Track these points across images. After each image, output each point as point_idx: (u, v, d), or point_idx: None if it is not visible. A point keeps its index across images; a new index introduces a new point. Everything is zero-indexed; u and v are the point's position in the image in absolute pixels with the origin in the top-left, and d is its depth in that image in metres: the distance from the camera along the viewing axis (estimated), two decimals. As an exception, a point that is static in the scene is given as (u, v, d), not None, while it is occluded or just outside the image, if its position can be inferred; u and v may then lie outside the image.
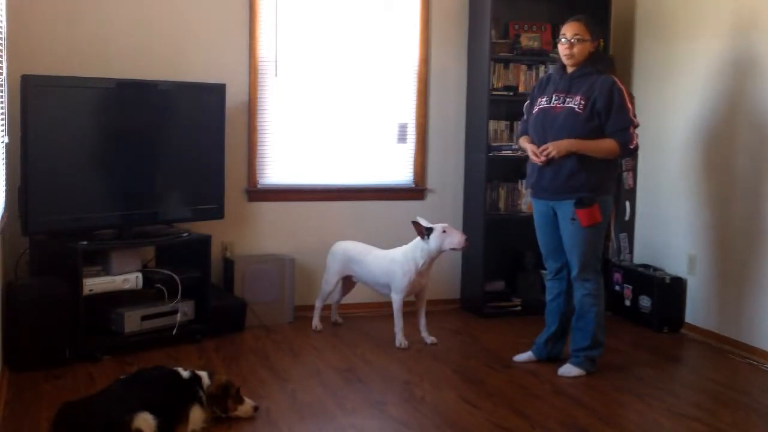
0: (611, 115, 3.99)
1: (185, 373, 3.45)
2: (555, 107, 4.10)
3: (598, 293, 4.17)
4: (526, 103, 4.37)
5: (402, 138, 5.53)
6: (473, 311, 5.47)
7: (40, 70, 4.30)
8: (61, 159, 4.25)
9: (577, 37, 4.06)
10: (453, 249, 4.55)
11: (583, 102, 4.01)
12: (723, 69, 4.82)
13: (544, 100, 4.17)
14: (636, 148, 4.09)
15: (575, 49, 4.06)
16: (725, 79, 4.81)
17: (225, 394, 3.45)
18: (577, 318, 4.22)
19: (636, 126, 4.03)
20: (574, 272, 4.16)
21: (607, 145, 4.02)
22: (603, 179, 4.10)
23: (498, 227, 5.42)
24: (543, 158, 4.03)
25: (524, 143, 4.25)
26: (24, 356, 4.04)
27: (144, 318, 4.43)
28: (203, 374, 3.50)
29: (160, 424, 3.12)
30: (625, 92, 4.02)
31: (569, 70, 4.13)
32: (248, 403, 3.52)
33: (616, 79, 4.05)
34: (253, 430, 3.43)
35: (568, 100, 4.06)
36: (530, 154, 4.14)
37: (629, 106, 4.01)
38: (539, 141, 4.12)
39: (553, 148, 4.00)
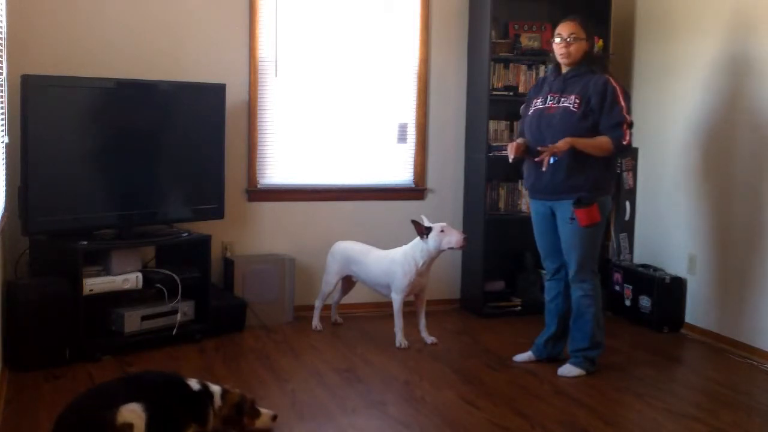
0: (604, 112, 3.99)
1: (195, 386, 3.19)
2: (550, 107, 4.11)
3: (595, 294, 4.17)
4: (522, 106, 4.38)
5: (402, 138, 5.52)
6: (473, 311, 5.47)
7: (40, 70, 4.29)
8: (61, 159, 4.24)
9: (573, 35, 4.07)
10: (451, 248, 4.55)
11: (578, 101, 4.02)
12: (723, 69, 4.82)
13: (539, 101, 4.18)
14: (629, 146, 4.06)
15: (572, 48, 4.07)
16: (725, 79, 4.81)
17: (240, 413, 3.25)
18: (575, 319, 4.22)
19: (629, 123, 4.01)
20: (572, 273, 4.16)
21: (601, 142, 4.01)
22: (601, 179, 4.10)
23: (498, 227, 5.42)
24: (545, 166, 3.95)
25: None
26: (24, 356, 4.04)
27: (144, 318, 4.42)
28: (216, 391, 3.23)
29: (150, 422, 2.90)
30: (619, 90, 4.01)
31: (564, 70, 4.15)
32: (266, 414, 3.35)
33: (609, 77, 4.05)
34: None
35: (563, 99, 4.07)
36: (509, 148, 4.13)
37: (623, 103, 4.00)
38: (535, 141, 4.12)
39: (555, 148, 3.93)
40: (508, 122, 5.43)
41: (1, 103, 3.87)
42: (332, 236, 5.10)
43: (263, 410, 3.39)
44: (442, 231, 4.52)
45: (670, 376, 4.36)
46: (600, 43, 5.29)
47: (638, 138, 5.20)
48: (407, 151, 5.55)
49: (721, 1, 4.82)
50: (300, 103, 5.26)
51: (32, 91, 4.08)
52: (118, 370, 4.03)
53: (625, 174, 5.51)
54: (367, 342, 4.75)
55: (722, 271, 4.85)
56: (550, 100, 4.12)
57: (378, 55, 5.39)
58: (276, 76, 5.16)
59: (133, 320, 4.38)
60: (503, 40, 5.41)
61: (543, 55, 5.38)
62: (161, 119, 4.63)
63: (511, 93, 5.36)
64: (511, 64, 5.40)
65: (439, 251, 4.56)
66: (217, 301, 4.77)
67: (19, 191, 4.17)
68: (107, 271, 4.35)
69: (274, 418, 3.40)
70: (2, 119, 3.90)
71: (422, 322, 4.75)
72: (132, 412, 2.89)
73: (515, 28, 5.45)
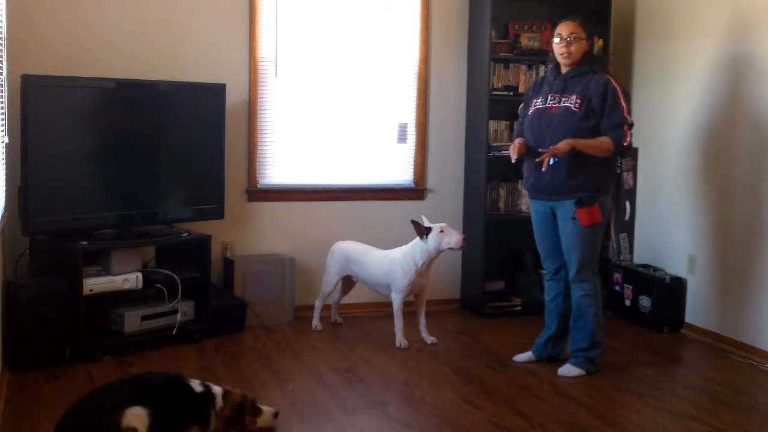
0: (605, 112, 3.99)
1: (198, 387, 3.19)
2: (550, 107, 4.10)
3: (595, 293, 4.17)
4: (520, 106, 4.38)
5: (402, 138, 5.52)
6: (473, 311, 5.47)
7: (40, 70, 4.29)
8: (61, 159, 4.24)
9: (574, 35, 4.07)
10: (451, 249, 4.55)
11: (579, 100, 4.02)
12: (723, 69, 4.82)
13: (539, 101, 4.18)
14: (629, 146, 4.06)
15: (572, 48, 4.07)
16: (725, 79, 4.81)
17: (241, 413, 3.25)
18: (576, 319, 4.23)
19: (630, 124, 4.01)
20: (572, 273, 4.16)
21: (602, 142, 4.01)
22: (601, 179, 4.10)
23: (498, 227, 5.42)
24: (545, 167, 3.96)
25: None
26: (24, 356, 4.04)
27: (144, 318, 4.43)
28: (218, 392, 3.23)
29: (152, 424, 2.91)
30: (619, 90, 4.02)
31: (564, 70, 4.14)
32: (267, 412, 3.36)
33: (610, 78, 4.06)
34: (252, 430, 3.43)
35: (563, 99, 4.06)
36: (511, 149, 4.13)
37: (623, 104, 4.00)
38: (535, 141, 4.11)
39: (555, 149, 3.94)
40: (508, 122, 5.43)
41: (1, 103, 3.87)
42: (332, 236, 5.11)
43: (264, 408, 3.40)
44: (441, 231, 4.52)
45: (670, 376, 4.36)
46: (600, 43, 5.29)
47: (638, 138, 5.19)
48: (407, 151, 5.55)
49: (721, 1, 4.82)
50: (300, 103, 5.26)
51: (32, 91, 4.08)
52: (118, 370, 4.03)
53: (625, 174, 5.51)
54: (367, 342, 4.75)
55: (722, 271, 4.85)
56: (551, 100, 4.11)
57: (378, 55, 5.38)
58: (276, 76, 5.16)
59: (133, 320, 4.38)
60: (503, 40, 5.41)
61: (543, 55, 5.38)
62: (161, 119, 4.63)
63: (511, 93, 5.36)
64: (511, 64, 5.40)
65: (439, 251, 4.55)
66: (217, 301, 4.77)
67: (19, 191, 4.17)
68: (107, 271, 4.35)
69: (276, 415, 3.41)
70: (2, 119, 3.90)
71: (422, 322, 4.75)
72: (136, 417, 2.88)
73: (515, 28, 5.45)
